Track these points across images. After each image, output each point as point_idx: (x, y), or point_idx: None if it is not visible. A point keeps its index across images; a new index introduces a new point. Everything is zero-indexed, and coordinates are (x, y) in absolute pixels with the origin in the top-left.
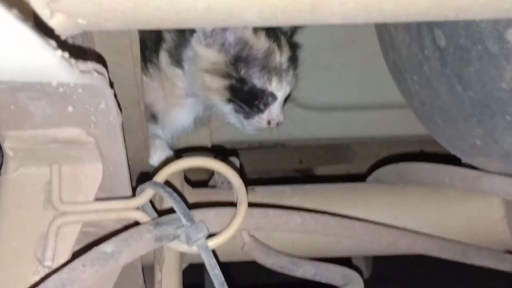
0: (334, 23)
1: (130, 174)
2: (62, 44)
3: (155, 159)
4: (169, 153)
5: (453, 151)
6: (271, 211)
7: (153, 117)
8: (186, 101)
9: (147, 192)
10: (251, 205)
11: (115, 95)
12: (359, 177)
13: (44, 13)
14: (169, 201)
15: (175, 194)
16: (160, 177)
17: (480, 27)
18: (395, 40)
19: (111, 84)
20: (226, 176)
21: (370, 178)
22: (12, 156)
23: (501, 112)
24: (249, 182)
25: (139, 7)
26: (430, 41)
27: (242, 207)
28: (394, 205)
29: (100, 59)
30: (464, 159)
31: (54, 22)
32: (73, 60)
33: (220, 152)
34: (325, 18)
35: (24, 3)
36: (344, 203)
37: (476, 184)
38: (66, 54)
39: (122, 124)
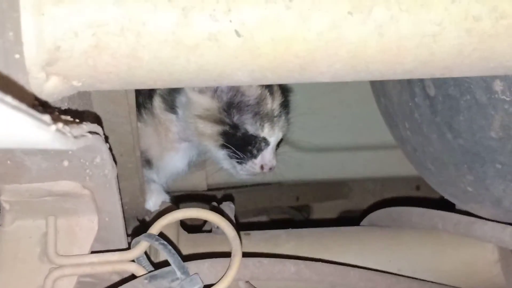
0: (323, 81)
1: (126, 219)
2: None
3: (151, 203)
4: (164, 197)
5: (446, 196)
6: (265, 260)
7: (147, 162)
8: (180, 146)
9: (141, 245)
10: (246, 253)
11: (110, 148)
12: (356, 212)
13: (39, 76)
14: (164, 253)
15: (169, 247)
16: (155, 229)
17: (468, 78)
18: (386, 87)
19: (106, 139)
20: (220, 227)
21: (364, 221)
22: (8, 209)
23: (491, 160)
24: (245, 223)
25: (132, 69)
26: (420, 89)
27: (236, 258)
28: (388, 249)
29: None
30: (457, 205)
31: (49, 84)
32: (67, 128)
33: (216, 196)
34: (314, 77)
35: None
36: (339, 247)
37: (469, 230)
38: (60, 125)
39: (117, 176)
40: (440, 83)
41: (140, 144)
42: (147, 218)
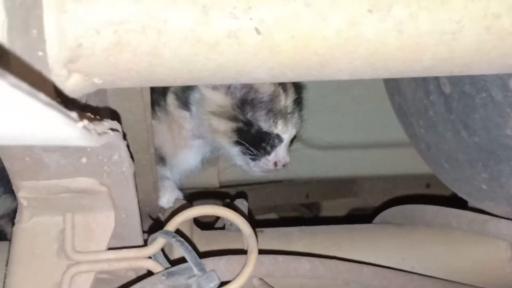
0: (342, 79)
1: (141, 217)
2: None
3: (165, 200)
4: (178, 194)
5: (460, 194)
6: (280, 257)
7: (161, 159)
8: (194, 143)
9: (158, 241)
10: (260, 250)
11: (128, 145)
12: (366, 210)
13: (61, 74)
14: (180, 250)
15: (186, 244)
16: (171, 226)
17: (484, 76)
18: (401, 85)
19: (124, 136)
20: (236, 224)
21: (377, 219)
22: (26, 205)
23: (507, 158)
24: (255, 220)
25: (153, 67)
26: (435, 87)
27: (253, 255)
28: (401, 247)
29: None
30: (470, 202)
31: (71, 82)
32: (91, 125)
33: (229, 193)
34: (333, 75)
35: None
36: (352, 245)
37: (483, 228)
38: (86, 122)
39: (134, 173)
40: (456, 80)
41: (154, 141)
42: (161, 215)
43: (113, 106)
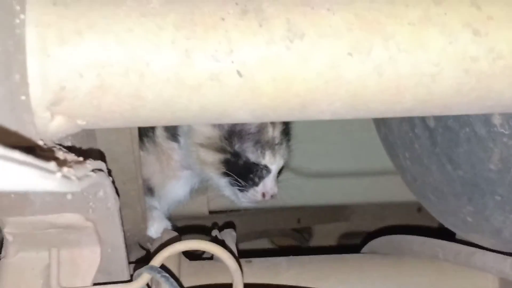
0: (324, 119)
1: (128, 245)
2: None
3: (153, 230)
4: (166, 224)
5: (446, 225)
6: None
7: (150, 190)
8: (182, 174)
9: (143, 277)
10: (247, 284)
11: (113, 180)
12: (358, 234)
13: (44, 116)
14: (165, 285)
15: (171, 280)
16: (157, 261)
17: None
18: (387, 118)
19: (109, 172)
20: (222, 260)
21: (365, 249)
22: (11, 241)
23: (491, 192)
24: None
25: (136, 109)
26: (420, 120)
27: None
28: (389, 277)
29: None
30: (457, 234)
31: (54, 124)
32: (72, 172)
33: (217, 223)
34: (315, 115)
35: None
36: (340, 276)
37: (469, 261)
38: (66, 170)
39: (119, 207)
40: (440, 115)
41: (142, 172)
42: (149, 245)
43: (100, 138)
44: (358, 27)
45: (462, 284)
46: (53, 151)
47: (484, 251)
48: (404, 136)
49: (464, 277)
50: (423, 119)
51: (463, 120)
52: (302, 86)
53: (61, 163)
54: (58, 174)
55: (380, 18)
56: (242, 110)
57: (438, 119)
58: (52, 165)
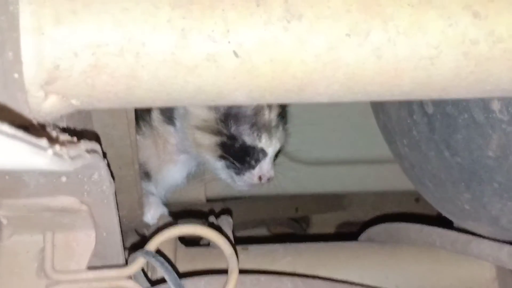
0: (321, 102)
1: (124, 231)
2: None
3: (149, 216)
4: (163, 210)
5: (443, 213)
6: (262, 277)
7: (146, 175)
8: (179, 158)
9: (138, 261)
10: (243, 270)
11: (108, 164)
12: (356, 224)
13: (38, 95)
14: (160, 270)
15: (166, 264)
16: (152, 245)
17: None
18: (385, 104)
19: (104, 155)
20: (217, 244)
21: (362, 237)
22: (6, 223)
23: (488, 179)
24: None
25: (131, 89)
26: (418, 107)
27: (233, 276)
28: (386, 265)
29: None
30: (454, 222)
31: (48, 103)
32: (64, 150)
33: (214, 210)
34: (312, 98)
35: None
36: (336, 263)
37: (466, 249)
38: (57, 148)
39: (115, 191)
40: (438, 101)
41: (139, 156)
42: (146, 231)
43: (96, 122)
44: (357, 9)
45: (459, 272)
46: (45, 130)
47: (481, 239)
48: (402, 122)
49: (461, 265)
50: (421, 105)
51: (461, 106)
52: (299, 67)
53: (54, 141)
54: (50, 151)
55: None
56: (239, 91)
57: (437, 105)
58: (43, 141)
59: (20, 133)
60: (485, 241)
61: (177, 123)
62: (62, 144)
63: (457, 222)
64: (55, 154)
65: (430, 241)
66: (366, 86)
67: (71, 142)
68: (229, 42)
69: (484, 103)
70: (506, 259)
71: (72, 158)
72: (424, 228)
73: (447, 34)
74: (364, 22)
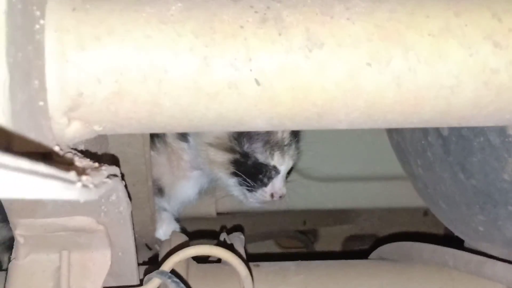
0: (340, 128)
1: (136, 247)
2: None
3: (162, 232)
4: (175, 226)
5: (456, 233)
6: None
7: (159, 191)
8: (192, 174)
9: (154, 282)
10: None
11: (126, 185)
12: (363, 237)
13: (61, 122)
14: None
15: (182, 285)
16: (167, 266)
17: None
18: None
19: (122, 176)
20: (232, 265)
21: (373, 254)
22: (22, 243)
23: (504, 202)
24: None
25: (153, 115)
26: (433, 128)
27: None
28: (398, 284)
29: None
30: (466, 242)
31: (71, 129)
32: (90, 180)
33: (224, 221)
34: (332, 125)
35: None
36: (348, 281)
37: (479, 270)
38: (84, 179)
39: (131, 212)
40: None
41: (153, 173)
42: (157, 247)
43: (112, 140)
44: (378, 37)
45: None
46: (69, 157)
47: (495, 260)
48: (417, 143)
49: (473, 286)
50: (436, 128)
51: (477, 130)
52: (320, 95)
53: (80, 171)
54: (79, 184)
55: (400, 28)
56: (259, 118)
57: (452, 127)
58: (72, 175)
59: (53, 171)
60: (500, 263)
61: (191, 139)
62: (87, 173)
63: (470, 243)
64: (83, 186)
65: (443, 261)
66: (386, 114)
67: (94, 169)
68: (251, 70)
69: (500, 127)
70: None
71: (96, 186)
72: (437, 248)
73: (467, 63)
74: (385, 50)
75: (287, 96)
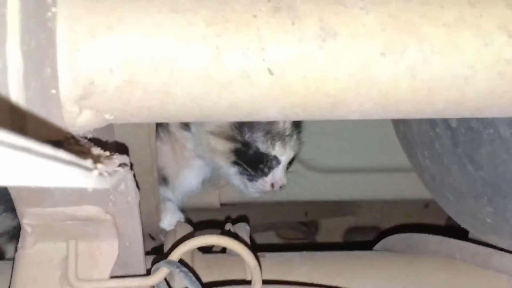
0: (353, 118)
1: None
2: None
3: (166, 222)
4: (179, 216)
5: (463, 225)
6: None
7: (164, 180)
8: (195, 163)
9: (162, 271)
10: (263, 280)
11: (134, 175)
12: (365, 229)
13: (73, 110)
14: (184, 280)
15: (190, 274)
16: (175, 255)
17: None
18: None
19: (131, 166)
20: (241, 256)
21: (378, 246)
22: (30, 232)
23: None
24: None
25: (164, 104)
26: (441, 120)
27: (257, 287)
28: (403, 275)
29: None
30: (473, 234)
31: (82, 118)
32: (104, 168)
33: (227, 212)
34: (344, 115)
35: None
36: (353, 272)
37: (487, 262)
38: (100, 167)
39: (139, 202)
40: None
41: (157, 162)
42: (162, 237)
43: (118, 131)
44: (392, 27)
45: (478, 285)
46: (81, 146)
47: (503, 252)
48: (424, 135)
49: (479, 278)
50: (445, 119)
51: (487, 121)
52: (333, 85)
53: (96, 159)
54: (95, 172)
55: (414, 18)
56: (272, 108)
57: (461, 119)
58: (89, 162)
59: (73, 158)
60: (506, 254)
61: (193, 128)
62: (101, 161)
63: (476, 235)
64: (100, 174)
65: (450, 253)
66: (399, 104)
67: (106, 157)
68: (263, 59)
69: (510, 119)
70: None
71: (110, 175)
72: (444, 239)
73: (482, 54)
74: (399, 41)
75: (300, 86)
